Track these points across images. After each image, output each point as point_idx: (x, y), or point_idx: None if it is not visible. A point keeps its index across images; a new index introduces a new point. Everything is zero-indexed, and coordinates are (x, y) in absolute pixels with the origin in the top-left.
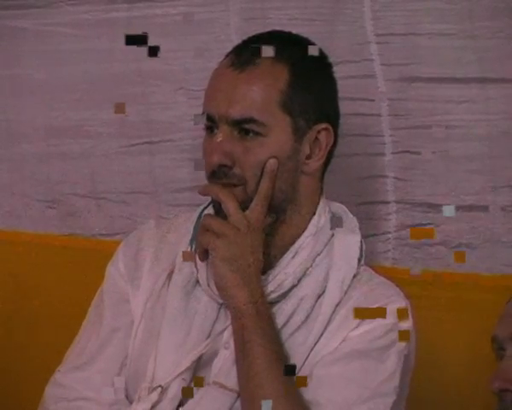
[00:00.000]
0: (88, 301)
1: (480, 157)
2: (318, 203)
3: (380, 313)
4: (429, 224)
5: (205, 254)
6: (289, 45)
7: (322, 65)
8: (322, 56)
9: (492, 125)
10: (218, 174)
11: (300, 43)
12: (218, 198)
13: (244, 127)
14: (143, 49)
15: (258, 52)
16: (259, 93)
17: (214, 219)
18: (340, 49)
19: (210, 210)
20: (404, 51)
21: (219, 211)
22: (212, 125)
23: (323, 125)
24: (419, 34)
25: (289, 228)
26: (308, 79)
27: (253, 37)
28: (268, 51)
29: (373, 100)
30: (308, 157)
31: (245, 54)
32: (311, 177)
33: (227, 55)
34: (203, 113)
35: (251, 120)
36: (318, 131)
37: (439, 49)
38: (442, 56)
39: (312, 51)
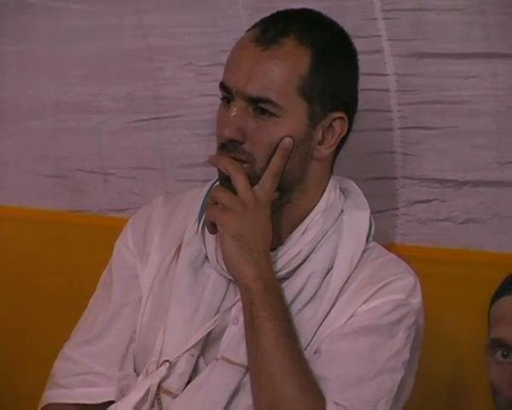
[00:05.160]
0: (96, 277)
1: (487, 133)
2: (327, 184)
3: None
4: (436, 199)
5: (214, 228)
6: (317, 29)
7: (346, 53)
8: (348, 44)
9: (500, 101)
10: (228, 147)
11: (328, 27)
12: (227, 171)
13: (260, 106)
14: (152, 25)
15: (283, 31)
16: (279, 75)
17: (224, 192)
18: (348, 25)
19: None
20: (411, 27)
21: (225, 183)
22: (228, 96)
23: (339, 114)
24: (427, 10)
25: (295, 209)
26: (330, 67)
27: (283, 12)
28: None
29: (380, 75)
30: (320, 143)
31: (270, 31)
32: (321, 162)
33: (253, 27)
34: (221, 82)
35: (267, 101)
36: (333, 119)
37: (447, 24)
38: (450, 32)
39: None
